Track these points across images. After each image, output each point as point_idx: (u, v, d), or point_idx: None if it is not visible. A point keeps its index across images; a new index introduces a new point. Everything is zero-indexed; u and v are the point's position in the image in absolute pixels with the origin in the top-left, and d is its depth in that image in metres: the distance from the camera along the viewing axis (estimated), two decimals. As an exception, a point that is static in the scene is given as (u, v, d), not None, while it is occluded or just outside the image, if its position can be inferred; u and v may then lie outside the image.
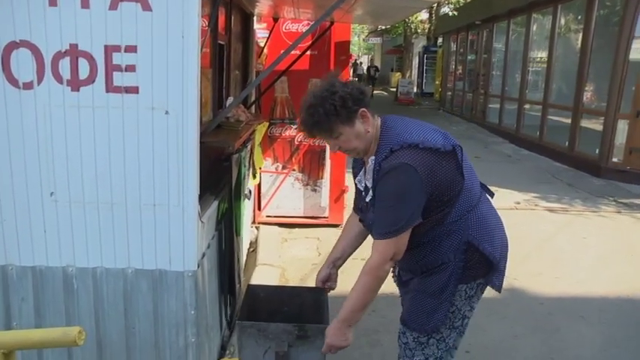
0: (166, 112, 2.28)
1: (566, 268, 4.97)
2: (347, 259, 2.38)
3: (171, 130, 2.29)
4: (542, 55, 11.82)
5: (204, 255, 2.63)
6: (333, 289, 2.37)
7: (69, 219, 2.39)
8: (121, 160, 2.33)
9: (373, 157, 1.98)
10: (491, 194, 2.26)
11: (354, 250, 2.37)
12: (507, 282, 4.41)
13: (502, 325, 3.90)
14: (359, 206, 2.21)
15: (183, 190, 2.34)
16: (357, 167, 2.17)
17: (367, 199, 2.05)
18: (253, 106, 5.37)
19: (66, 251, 2.43)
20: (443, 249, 2.03)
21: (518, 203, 7.14)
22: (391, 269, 2.08)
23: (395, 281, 2.34)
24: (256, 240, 5.37)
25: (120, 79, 2.25)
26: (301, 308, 2.28)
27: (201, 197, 2.52)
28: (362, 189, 2.12)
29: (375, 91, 26.16)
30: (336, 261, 2.35)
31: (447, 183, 1.95)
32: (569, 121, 10.07)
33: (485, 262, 2.07)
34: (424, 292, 2.08)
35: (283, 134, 5.70)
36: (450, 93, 20.21)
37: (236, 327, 2.13)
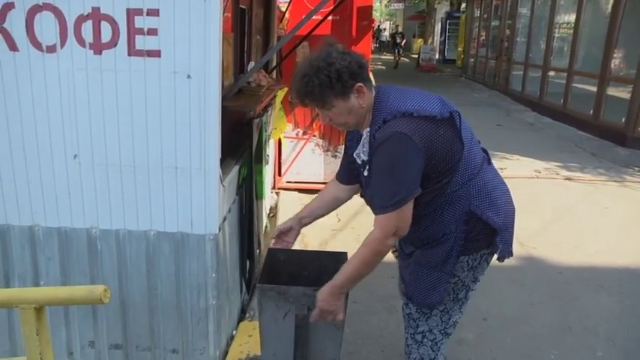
0: (188, 76, 2.26)
1: (586, 238, 4.92)
2: (314, 221, 2.34)
3: (193, 94, 2.28)
4: (569, 19, 11.47)
5: (225, 219, 2.65)
6: (289, 248, 2.31)
7: (92, 181, 2.41)
8: (143, 124, 2.33)
9: (368, 129, 1.92)
10: (489, 159, 2.15)
11: (325, 214, 2.32)
12: (526, 250, 4.49)
13: (520, 293, 3.89)
14: (360, 182, 2.10)
15: (205, 154, 2.34)
16: (353, 139, 2.08)
17: (365, 174, 1.98)
18: (274, 71, 5.33)
19: (89, 213, 2.46)
20: (444, 220, 1.97)
21: (539, 172, 7.04)
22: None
23: (395, 255, 2.29)
24: (276, 206, 5.39)
25: (142, 42, 2.24)
26: (321, 272, 2.29)
27: (222, 161, 2.52)
28: (359, 162, 2.04)
29: (399, 59, 25.39)
30: (303, 219, 2.28)
31: (445, 151, 1.88)
32: (594, 88, 9.82)
33: (489, 231, 1.99)
34: (426, 265, 2.03)
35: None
36: (472, 60, 19.84)
37: (256, 290, 2.14)
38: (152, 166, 2.38)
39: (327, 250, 3.59)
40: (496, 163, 7.86)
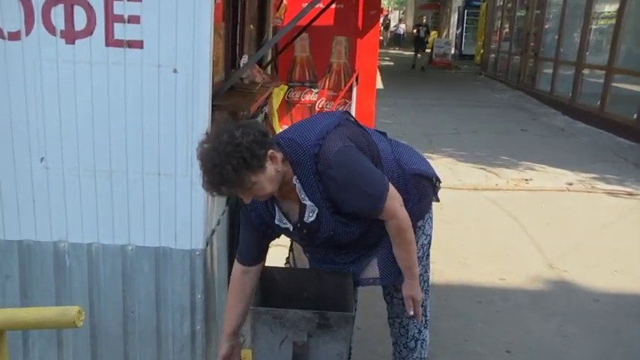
0: (174, 71, 2.29)
1: (628, 261, 4.91)
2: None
3: (179, 91, 2.31)
4: (611, 9, 11.48)
5: (213, 232, 2.67)
6: None
7: (61, 188, 2.42)
8: (121, 123, 2.35)
9: (295, 177, 2.12)
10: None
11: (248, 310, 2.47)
12: (555, 274, 4.52)
13: (549, 322, 3.90)
14: (301, 239, 2.35)
15: (192, 159, 2.34)
16: (256, 209, 2.25)
17: (311, 219, 2.20)
18: (269, 67, 5.36)
19: (57, 225, 2.47)
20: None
21: (571, 184, 7.07)
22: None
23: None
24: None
25: (122, 31, 2.26)
26: (322, 294, 2.31)
27: (211, 167, 2.54)
28: (289, 225, 2.26)
29: (418, 54, 23.07)
30: (236, 329, 2.40)
31: (367, 145, 2.25)
32: (639, 88, 9.78)
33: (428, 184, 2.47)
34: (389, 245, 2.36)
35: (303, 99, 5.70)
36: (493, 55, 19.94)
37: (249, 313, 2.16)
38: (131, 172, 2.40)
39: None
40: (519, 174, 7.99)
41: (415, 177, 2.40)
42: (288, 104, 5.65)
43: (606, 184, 7.12)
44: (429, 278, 2.65)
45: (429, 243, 2.57)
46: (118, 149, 2.37)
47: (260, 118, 3.77)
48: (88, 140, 2.37)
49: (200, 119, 2.33)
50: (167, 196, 2.42)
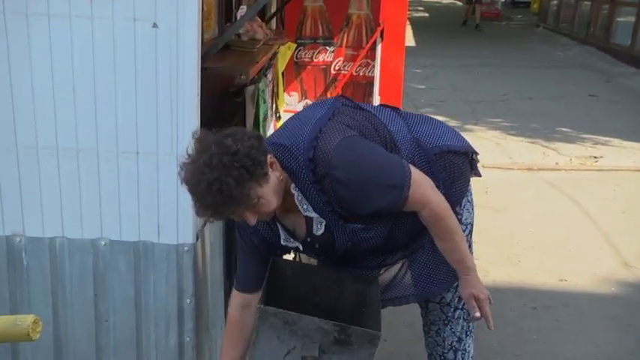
0: (154, 25, 2.28)
1: None
2: None
3: (161, 51, 2.30)
4: None
5: (205, 223, 2.64)
6: None
7: (15, 171, 2.43)
8: (90, 92, 2.35)
9: (293, 185, 2.14)
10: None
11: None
12: (633, 274, 4.51)
13: (624, 335, 3.86)
14: (317, 254, 2.39)
15: (177, 134, 2.36)
16: (263, 232, 2.30)
17: (320, 231, 2.23)
18: (274, 20, 5.34)
19: (11, 215, 2.48)
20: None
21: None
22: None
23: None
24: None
25: (84, -24, 2.26)
26: (339, 301, 2.32)
27: (201, 144, 2.54)
28: (298, 243, 2.30)
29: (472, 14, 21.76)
30: None
31: (374, 129, 2.28)
32: None
33: (463, 159, 2.48)
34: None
35: (315, 59, 5.67)
36: (555, 2, 19.71)
37: (256, 312, 2.17)
38: (103, 151, 2.40)
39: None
40: (585, 150, 7.95)
41: (442, 155, 2.40)
42: (297, 66, 5.62)
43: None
44: None
45: (470, 234, 2.55)
46: (85, 123, 2.37)
47: (262, 85, 3.77)
48: (48, 113, 2.37)
49: (187, 85, 2.33)
50: (147, 180, 2.43)
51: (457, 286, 2.49)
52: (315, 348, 2.08)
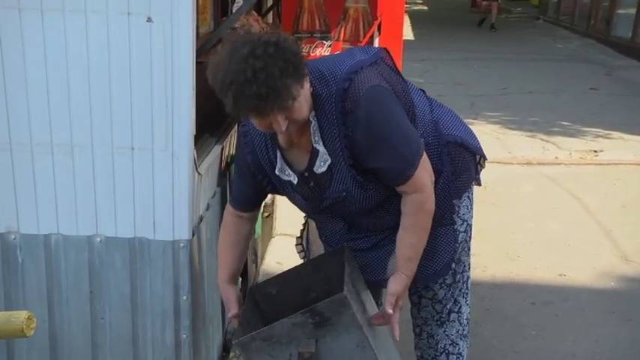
0: (148, 19, 2.28)
1: None
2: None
3: (155, 45, 2.30)
4: None
5: (201, 219, 2.68)
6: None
7: (9, 168, 2.43)
8: (84, 87, 2.35)
9: (313, 113, 2.12)
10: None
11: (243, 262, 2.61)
12: (632, 268, 4.52)
13: (623, 330, 3.86)
14: (305, 197, 2.34)
15: (172, 129, 2.37)
16: (259, 152, 2.29)
17: (322, 169, 2.21)
18: (270, 14, 5.33)
19: (5, 212, 2.48)
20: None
21: (652, 156, 7.03)
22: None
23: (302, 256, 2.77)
24: (272, 202, 5.41)
25: (78, -31, 2.25)
26: (329, 285, 2.30)
27: (197, 140, 2.54)
28: (293, 176, 2.28)
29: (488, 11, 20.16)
30: (234, 275, 2.52)
31: (403, 94, 2.29)
32: None
33: (469, 158, 2.49)
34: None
35: (312, 53, 5.65)
36: (556, -6, 19.71)
37: (237, 350, 2.17)
38: (98, 147, 2.40)
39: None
40: (586, 144, 7.94)
41: (454, 145, 2.42)
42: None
43: None
44: (469, 278, 2.66)
45: (466, 232, 2.54)
46: (80, 119, 2.37)
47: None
48: (41, 108, 2.37)
49: (182, 79, 2.33)
50: (143, 176, 2.43)
51: (450, 283, 2.53)
52: (310, 343, 2.08)
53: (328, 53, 5.63)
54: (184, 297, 2.55)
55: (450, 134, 2.42)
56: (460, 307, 2.60)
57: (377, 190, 2.24)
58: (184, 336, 2.59)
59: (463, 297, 2.62)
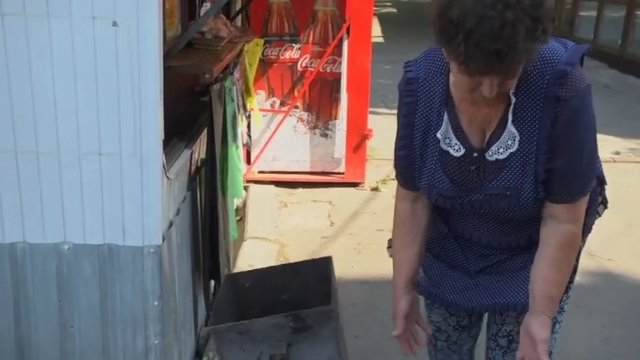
0: (114, 24, 2.25)
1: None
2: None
3: (121, 50, 2.27)
4: None
5: (171, 224, 2.66)
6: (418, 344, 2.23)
7: (-28, 175, 2.39)
8: (49, 92, 2.31)
9: (512, 91, 1.84)
10: None
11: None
12: (597, 263, 4.54)
13: (589, 323, 3.91)
14: (454, 180, 2.01)
15: (140, 134, 2.34)
16: (420, 109, 1.99)
17: (499, 156, 1.92)
18: (239, 18, 5.31)
19: (-31, 220, 2.44)
20: None
21: (618, 154, 7.10)
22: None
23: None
24: (244, 205, 5.39)
25: (40, -28, 2.22)
26: (306, 291, 2.30)
27: (166, 144, 2.52)
28: (456, 148, 1.96)
29: None
30: (413, 277, 2.20)
31: None
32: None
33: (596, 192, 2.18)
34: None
35: (281, 56, 5.65)
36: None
37: (210, 336, 2.16)
38: (64, 152, 2.37)
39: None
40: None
41: (598, 181, 2.14)
42: (263, 64, 5.59)
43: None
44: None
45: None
46: (45, 124, 2.34)
47: (229, 83, 3.73)
48: (5, 114, 2.33)
49: (149, 84, 2.30)
50: (111, 182, 2.40)
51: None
52: (281, 345, 2.07)
53: (297, 56, 5.64)
54: (155, 303, 2.51)
55: (599, 168, 2.14)
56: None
57: (536, 199, 1.94)
58: (156, 342, 2.55)
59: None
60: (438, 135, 1.95)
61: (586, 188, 1.93)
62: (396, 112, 2.10)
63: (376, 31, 15.84)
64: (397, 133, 2.08)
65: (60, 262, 2.47)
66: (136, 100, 2.31)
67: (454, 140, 1.94)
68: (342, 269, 4.32)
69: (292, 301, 2.34)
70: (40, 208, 2.42)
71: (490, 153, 1.91)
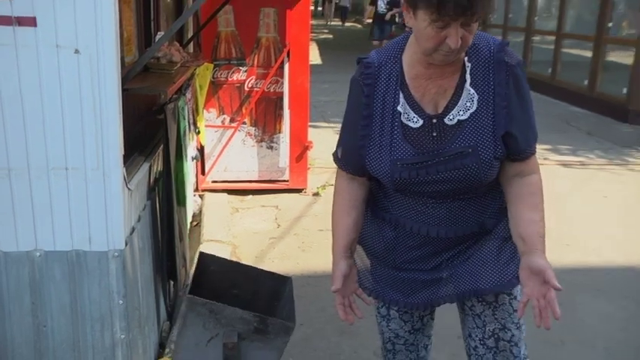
0: (76, 51, 2.24)
1: (580, 234, 5.11)
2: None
3: (83, 75, 2.26)
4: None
5: (133, 230, 2.64)
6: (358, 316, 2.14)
7: (-51, 191, 2.34)
8: (18, 114, 2.28)
9: (466, 58, 1.91)
10: None
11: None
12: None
13: (567, 312, 3.91)
14: (418, 148, 1.97)
15: (102, 150, 2.33)
16: (380, 89, 1.99)
17: (461, 117, 1.92)
18: (191, 44, 5.30)
19: (-54, 232, 2.39)
20: None
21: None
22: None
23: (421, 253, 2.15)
24: (200, 211, 5.36)
25: (7, 7, 2.17)
26: (255, 295, 2.31)
27: (127, 158, 2.51)
28: (415, 120, 1.95)
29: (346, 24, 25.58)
30: (350, 244, 2.14)
31: None
32: (589, 54, 10.15)
33: None
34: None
35: (230, 78, 5.65)
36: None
37: (184, 302, 2.14)
38: (34, 168, 2.34)
39: (264, 266, 3.60)
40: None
41: None
42: (214, 85, 5.59)
43: (559, 155, 7.37)
44: None
45: None
46: (16, 143, 2.30)
47: (181, 103, 3.72)
48: (-21, 135, 2.29)
49: (109, 105, 2.29)
50: (77, 194, 2.37)
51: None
52: (234, 334, 2.07)
53: (244, 77, 5.64)
54: (120, 301, 2.49)
55: None
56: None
57: (500, 159, 1.96)
58: (122, 337, 2.53)
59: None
60: (399, 108, 1.95)
61: (532, 146, 1.99)
62: (333, 125, 2.11)
63: (314, 55, 15.93)
64: (346, 127, 2.12)
65: (32, 268, 2.43)
66: (98, 120, 2.30)
67: (412, 114, 1.95)
68: (288, 266, 4.38)
69: (240, 298, 2.35)
70: (12, 219, 2.38)
71: (451, 117, 1.92)
